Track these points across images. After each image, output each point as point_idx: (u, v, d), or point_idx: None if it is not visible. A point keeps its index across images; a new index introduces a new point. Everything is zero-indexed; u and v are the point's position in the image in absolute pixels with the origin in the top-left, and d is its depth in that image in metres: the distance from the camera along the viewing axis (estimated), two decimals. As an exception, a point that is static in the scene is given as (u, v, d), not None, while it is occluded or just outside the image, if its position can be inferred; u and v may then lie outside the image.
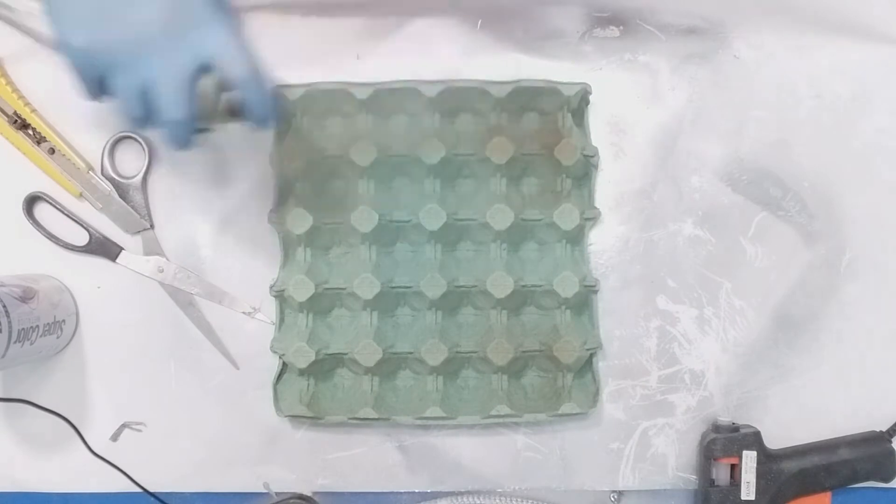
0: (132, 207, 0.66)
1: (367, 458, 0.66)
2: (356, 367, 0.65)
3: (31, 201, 0.66)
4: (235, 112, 0.56)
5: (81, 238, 0.66)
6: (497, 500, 0.65)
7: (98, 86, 0.52)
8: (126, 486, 0.65)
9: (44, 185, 0.66)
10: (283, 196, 0.66)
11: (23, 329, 0.59)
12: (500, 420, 0.65)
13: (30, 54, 0.66)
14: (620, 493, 0.66)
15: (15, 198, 0.66)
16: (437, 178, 0.65)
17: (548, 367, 0.66)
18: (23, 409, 0.63)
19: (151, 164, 0.67)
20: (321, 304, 0.66)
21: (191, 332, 0.66)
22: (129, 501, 0.65)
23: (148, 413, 0.66)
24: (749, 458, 0.63)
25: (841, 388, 0.66)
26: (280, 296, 0.65)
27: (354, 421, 0.64)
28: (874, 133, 0.67)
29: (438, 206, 0.64)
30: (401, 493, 0.66)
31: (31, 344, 0.61)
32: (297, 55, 0.66)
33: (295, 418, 0.65)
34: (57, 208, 0.66)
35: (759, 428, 0.64)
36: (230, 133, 0.66)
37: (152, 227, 0.67)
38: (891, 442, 0.65)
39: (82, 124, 0.66)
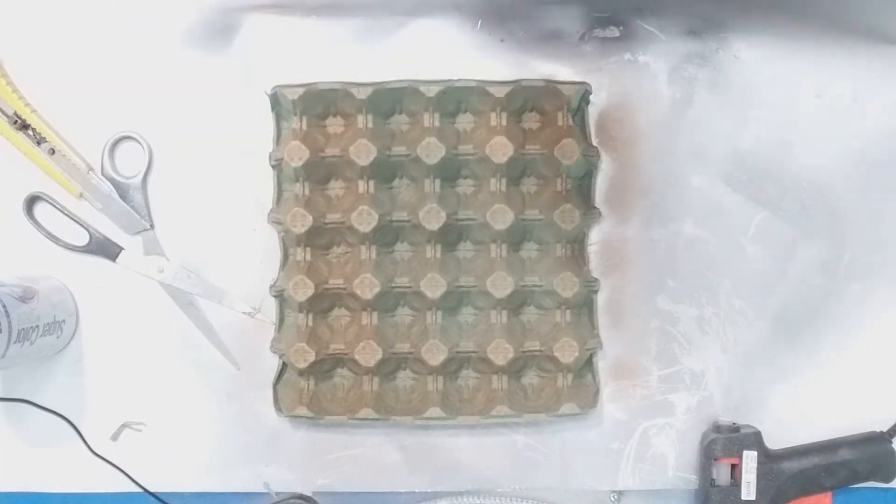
0: (132, 207, 0.66)
1: (367, 458, 0.66)
2: (356, 367, 0.65)
3: (31, 201, 0.66)
4: None
5: (81, 238, 0.66)
6: (497, 500, 0.65)
7: None
8: (126, 486, 0.65)
9: (44, 185, 0.66)
10: (283, 196, 0.66)
11: (23, 329, 0.59)
12: (500, 420, 0.64)
13: (30, 54, 0.66)
14: (620, 493, 0.66)
15: (15, 198, 0.66)
16: (437, 178, 0.65)
17: (548, 367, 0.66)
18: (23, 409, 0.63)
19: (151, 164, 0.66)
20: (321, 304, 0.66)
21: (191, 332, 0.66)
22: (129, 501, 0.65)
23: (148, 413, 0.66)
24: (749, 458, 0.63)
25: (841, 388, 0.66)
26: (280, 296, 0.65)
27: (354, 421, 0.64)
28: (874, 133, 0.67)
29: (438, 206, 0.64)
30: (401, 493, 0.66)
31: (31, 344, 0.60)
32: (297, 55, 0.66)
33: (295, 418, 0.65)
34: (57, 208, 0.66)
35: (760, 428, 0.64)
36: (229, 131, 0.67)
37: (152, 227, 0.67)
38: (891, 442, 0.65)
39: (82, 124, 0.66)
